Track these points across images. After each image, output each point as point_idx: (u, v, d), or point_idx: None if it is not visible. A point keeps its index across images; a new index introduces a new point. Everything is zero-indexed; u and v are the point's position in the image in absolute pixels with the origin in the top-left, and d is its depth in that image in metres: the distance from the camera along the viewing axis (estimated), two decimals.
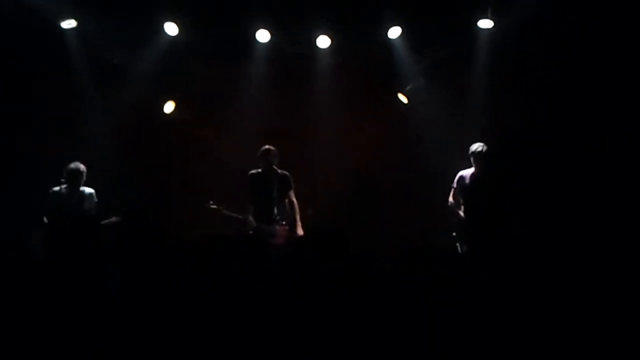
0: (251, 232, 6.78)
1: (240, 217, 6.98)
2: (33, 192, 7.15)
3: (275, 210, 6.99)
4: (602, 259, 4.90)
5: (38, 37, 7.70)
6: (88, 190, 7.03)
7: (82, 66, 8.02)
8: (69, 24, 7.84)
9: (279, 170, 7.10)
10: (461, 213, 6.88)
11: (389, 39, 8.24)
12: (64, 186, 6.91)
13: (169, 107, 8.61)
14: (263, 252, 4.18)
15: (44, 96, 7.84)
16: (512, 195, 6.33)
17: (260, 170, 7.11)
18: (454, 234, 6.92)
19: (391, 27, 8.14)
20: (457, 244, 6.81)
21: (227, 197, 7.21)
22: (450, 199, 7.06)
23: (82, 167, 6.96)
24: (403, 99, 8.62)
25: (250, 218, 6.93)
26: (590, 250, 5.13)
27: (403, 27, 8.15)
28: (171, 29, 8.06)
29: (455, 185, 7.04)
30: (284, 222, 7.03)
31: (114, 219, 6.67)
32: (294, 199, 7.17)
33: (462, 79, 8.22)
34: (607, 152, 7.35)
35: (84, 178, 6.98)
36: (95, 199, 7.05)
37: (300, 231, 6.97)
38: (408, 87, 8.59)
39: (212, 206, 7.01)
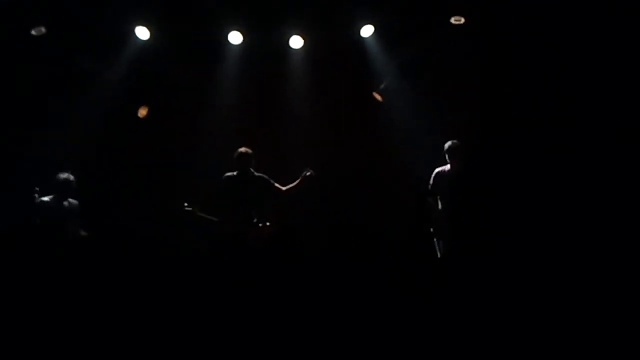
0: (227, 235, 6.74)
1: (216, 219, 6.91)
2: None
3: (253, 214, 6.96)
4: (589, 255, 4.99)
5: (6, 44, 7.65)
6: (74, 202, 6.95)
7: (52, 73, 7.97)
8: (39, 31, 7.79)
9: (256, 174, 7.07)
10: (439, 209, 6.92)
11: (362, 37, 8.26)
12: (52, 196, 6.82)
13: (142, 111, 8.56)
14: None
15: (12, 104, 7.80)
16: (492, 191, 6.48)
17: (236, 173, 7.04)
18: (431, 230, 6.90)
19: (364, 25, 8.16)
20: (435, 240, 6.82)
21: (202, 199, 7.12)
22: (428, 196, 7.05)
23: (72, 177, 6.87)
24: (378, 97, 8.62)
25: (226, 221, 6.87)
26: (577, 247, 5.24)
27: (376, 25, 8.17)
28: (143, 33, 8.04)
29: (432, 182, 7.04)
30: (260, 225, 6.96)
31: (84, 233, 6.70)
32: (281, 187, 7.15)
33: (436, 76, 8.26)
34: (582, 149, 7.52)
35: (74, 189, 6.89)
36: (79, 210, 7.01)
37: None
38: (382, 86, 8.59)
39: (187, 208, 6.91)
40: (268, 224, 6.96)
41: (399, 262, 3.89)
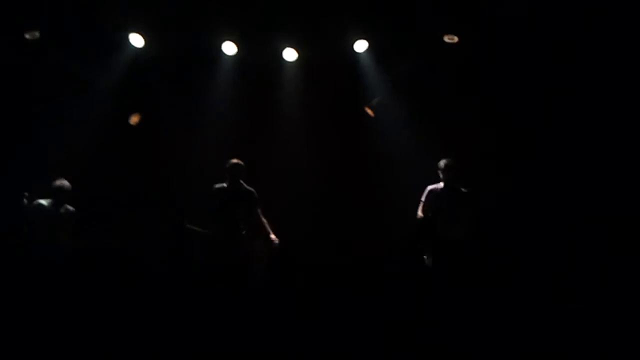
0: (216, 247, 6.72)
1: (206, 232, 6.84)
2: None
3: (240, 225, 6.91)
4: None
5: None
6: (71, 208, 6.97)
7: (45, 78, 7.94)
8: (32, 35, 7.76)
9: (245, 186, 7.03)
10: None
11: (356, 52, 8.29)
12: (49, 201, 6.86)
13: (134, 119, 8.53)
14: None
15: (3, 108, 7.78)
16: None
17: (225, 184, 6.98)
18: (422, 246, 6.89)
19: (357, 40, 8.18)
20: (425, 257, 6.82)
21: (191, 210, 7.06)
22: (419, 212, 6.99)
23: (67, 184, 6.93)
24: (369, 112, 8.63)
25: (215, 234, 6.81)
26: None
27: (370, 40, 8.20)
28: (137, 40, 8.04)
29: (424, 199, 6.99)
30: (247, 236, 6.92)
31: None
32: (260, 215, 7.03)
33: (428, 92, 8.28)
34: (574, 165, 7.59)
35: (69, 196, 6.93)
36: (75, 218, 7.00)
37: (274, 238, 6.93)
38: (374, 101, 8.60)
39: (180, 221, 6.81)
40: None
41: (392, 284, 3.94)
